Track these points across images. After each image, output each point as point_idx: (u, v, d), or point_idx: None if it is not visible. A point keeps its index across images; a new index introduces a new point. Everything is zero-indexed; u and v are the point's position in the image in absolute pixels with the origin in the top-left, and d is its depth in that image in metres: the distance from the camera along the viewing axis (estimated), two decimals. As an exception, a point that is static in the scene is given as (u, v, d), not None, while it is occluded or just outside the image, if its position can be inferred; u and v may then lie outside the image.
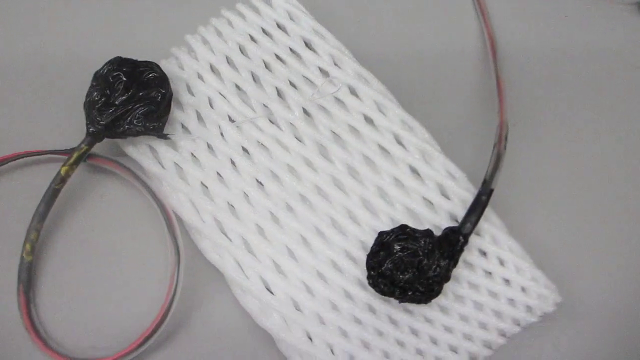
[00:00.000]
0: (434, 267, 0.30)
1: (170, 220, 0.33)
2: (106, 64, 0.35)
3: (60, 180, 0.34)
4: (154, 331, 0.32)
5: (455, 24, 0.41)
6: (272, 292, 0.32)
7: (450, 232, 0.31)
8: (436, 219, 0.33)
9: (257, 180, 0.34)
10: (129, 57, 0.35)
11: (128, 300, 0.34)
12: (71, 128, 0.37)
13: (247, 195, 0.33)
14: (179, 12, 0.42)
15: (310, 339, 0.31)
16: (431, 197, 0.33)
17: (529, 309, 0.32)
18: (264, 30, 0.38)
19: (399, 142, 0.35)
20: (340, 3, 0.41)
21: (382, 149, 0.35)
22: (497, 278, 0.32)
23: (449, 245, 0.31)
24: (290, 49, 0.37)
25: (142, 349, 0.31)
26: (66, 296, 0.34)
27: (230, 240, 0.33)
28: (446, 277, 0.31)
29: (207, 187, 0.34)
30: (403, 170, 0.34)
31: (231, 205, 0.33)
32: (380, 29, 0.41)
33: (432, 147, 0.34)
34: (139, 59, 0.35)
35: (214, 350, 0.33)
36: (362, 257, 0.32)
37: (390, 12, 0.41)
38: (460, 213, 0.33)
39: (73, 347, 0.33)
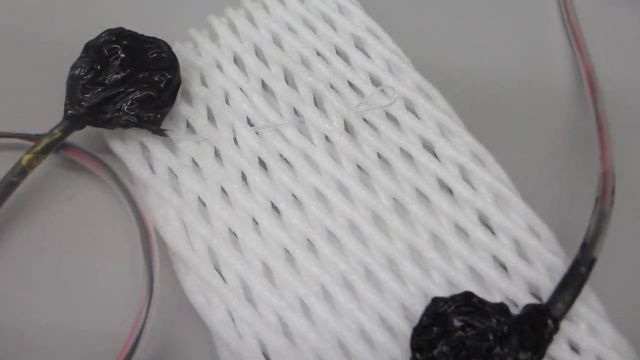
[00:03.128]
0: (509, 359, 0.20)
1: (149, 241, 0.23)
2: (103, 32, 0.26)
3: (21, 172, 0.25)
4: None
5: (541, 48, 0.31)
6: (271, 363, 0.21)
7: (534, 312, 0.21)
8: (510, 289, 0.22)
9: (273, 205, 0.23)
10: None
11: (83, 337, 0.23)
12: (53, 111, 0.26)
13: (257, 222, 0.23)
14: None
15: None
16: (505, 258, 0.23)
17: None
18: (305, 22, 0.28)
19: (466, 179, 0.24)
20: (401, 4, 0.32)
21: (443, 184, 0.24)
22: (593, 387, 0.21)
23: (533, 331, 0.20)
24: (336, 48, 0.27)
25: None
26: (5, 320, 0.24)
27: (225, 281, 0.22)
28: (525, 377, 0.20)
29: (205, 204, 0.24)
30: (469, 216, 0.23)
31: (234, 232, 0.23)
32: (449, 43, 0.31)
33: (510, 190, 0.24)
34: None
35: None
36: (405, 329, 0.21)
37: (464, 25, 0.31)
38: (545, 285, 0.22)
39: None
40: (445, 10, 0.32)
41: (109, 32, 0.26)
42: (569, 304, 0.21)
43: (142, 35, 0.26)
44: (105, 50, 0.25)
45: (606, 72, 0.29)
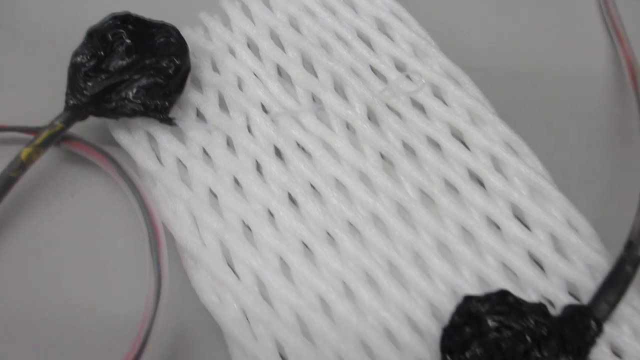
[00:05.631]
0: (548, 363, 0.19)
1: (156, 237, 0.23)
2: (107, 17, 0.26)
3: (19, 166, 0.25)
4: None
5: (579, 37, 0.30)
6: (289, 366, 0.21)
7: (576, 313, 0.20)
8: (547, 289, 0.22)
9: (290, 196, 0.23)
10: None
11: (87, 339, 0.23)
12: (54, 102, 0.26)
13: (273, 215, 0.23)
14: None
15: None
16: (541, 254, 0.22)
17: None
18: (325, 4, 0.28)
19: (499, 170, 0.24)
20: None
21: (474, 175, 0.24)
22: (640, 395, 0.21)
23: (574, 334, 0.20)
24: (358, 32, 0.27)
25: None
26: (5, 320, 0.24)
27: (238, 278, 0.22)
28: (566, 383, 0.19)
29: (217, 197, 0.24)
30: (502, 209, 0.23)
31: (247, 226, 0.23)
32: (481, 26, 0.31)
33: (548, 183, 0.24)
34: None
35: None
36: (434, 329, 0.21)
37: (497, 7, 0.31)
38: (585, 285, 0.22)
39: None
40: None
41: (114, 16, 0.26)
42: (613, 305, 0.20)
43: (149, 19, 0.26)
44: (110, 36, 0.25)
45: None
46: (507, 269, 0.22)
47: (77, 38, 0.26)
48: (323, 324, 0.21)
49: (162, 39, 0.26)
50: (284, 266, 0.22)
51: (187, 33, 0.28)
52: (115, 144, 0.26)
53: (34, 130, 0.26)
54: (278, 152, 0.24)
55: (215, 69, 0.27)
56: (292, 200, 0.23)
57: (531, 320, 0.20)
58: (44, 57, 0.29)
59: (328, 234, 0.23)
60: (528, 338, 0.19)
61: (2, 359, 0.23)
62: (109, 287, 0.24)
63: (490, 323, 0.20)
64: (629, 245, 0.22)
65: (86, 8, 0.30)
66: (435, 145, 0.25)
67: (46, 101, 0.26)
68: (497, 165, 0.24)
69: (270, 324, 0.21)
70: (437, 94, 0.26)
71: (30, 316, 0.24)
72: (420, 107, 0.25)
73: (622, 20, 0.30)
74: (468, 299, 0.20)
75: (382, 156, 0.24)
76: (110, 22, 0.26)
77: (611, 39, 0.30)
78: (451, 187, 0.24)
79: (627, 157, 0.27)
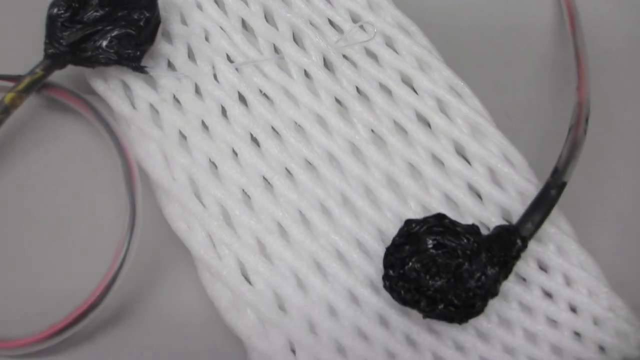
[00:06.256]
0: (477, 275, 0.22)
1: (131, 174, 0.25)
2: (81, -29, 0.28)
3: (4, 110, 0.27)
4: (85, 313, 0.23)
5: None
6: (249, 282, 0.23)
7: (503, 232, 0.23)
8: (483, 214, 0.25)
9: (252, 136, 0.26)
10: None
11: (68, 268, 0.26)
12: (32, 54, 0.28)
13: (236, 153, 0.25)
14: None
15: (294, 351, 0.23)
16: (479, 185, 0.25)
17: (601, 349, 0.23)
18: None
19: (443, 111, 0.26)
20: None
21: (420, 116, 0.26)
22: (560, 302, 0.24)
23: (501, 249, 0.22)
24: (317, -14, 0.29)
25: (68, 334, 0.24)
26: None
27: (205, 207, 0.24)
28: (492, 291, 0.22)
29: (185, 137, 0.26)
30: (445, 146, 0.26)
31: (213, 162, 0.25)
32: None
33: (486, 121, 0.26)
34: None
35: (166, 346, 0.25)
36: (380, 251, 0.23)
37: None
38: (517, 209, 0.24)
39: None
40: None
41: (87, -30, 0.28)
42: (538, 225, 0.23)
43: (121, -26, 0.28)
44: (84, -11, 0.27)
45: (586, 5, 0.31)
46: (449, 199, 0.25)
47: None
48: (279, 245, 0.23)
49: (133, -7, 0.28)
50: (246, 197, 0.25)
51: (157, -10, 0.29)
52: (92, 92, 0.28)
53: (15, 78, 0.28)
54: (242, 99, 0.27)
55: (184, 22, 0.29)
56: (254, 140, 0.26)
57: (464, 239, 0.22)
58: (23, 9, 0.31)
59: (287, 169, 0.25)
60: (460, 253, 0.22)
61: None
62: (88, 222, 0.27)
63: (428, 242, 0.22)
64: (555, 172, 0.24)
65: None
66: (386, 89, 0.27)
67: (25, 52, 0.27)
68: (441, 106, 0.26)
69: (232, 246, 0.23)
70: (389, 43, 0.28)
71: (14, 250, 0.26)
72: (373, 56, 0.28)
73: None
74: (409, 222, 0.23)
75: (337, 100, 0.27)
76: (84, -25, 0.28)
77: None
78: (399, 128, 0.26)
79: (563, 97, 0.29)
